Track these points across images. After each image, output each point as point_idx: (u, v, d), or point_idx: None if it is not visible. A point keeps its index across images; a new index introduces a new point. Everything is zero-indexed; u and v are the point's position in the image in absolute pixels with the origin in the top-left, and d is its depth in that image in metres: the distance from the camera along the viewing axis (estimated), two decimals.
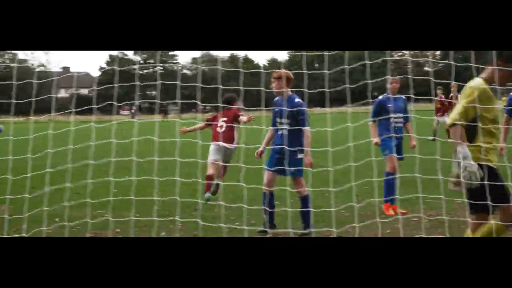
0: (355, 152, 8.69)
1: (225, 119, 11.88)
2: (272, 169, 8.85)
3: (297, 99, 8.84)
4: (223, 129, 11.80)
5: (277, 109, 8.94)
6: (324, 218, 9.07)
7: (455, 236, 7.79)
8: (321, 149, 8.15)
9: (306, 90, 7.83)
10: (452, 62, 7.73)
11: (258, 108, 9.07)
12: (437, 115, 25.34)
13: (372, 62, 7.70)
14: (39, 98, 8.79)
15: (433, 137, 23.38)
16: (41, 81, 10.17)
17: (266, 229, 8.88)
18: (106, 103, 9.31)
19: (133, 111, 64.00)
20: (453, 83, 16.22)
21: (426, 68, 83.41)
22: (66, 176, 8.97)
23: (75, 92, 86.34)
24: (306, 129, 8.67)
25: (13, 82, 9.36)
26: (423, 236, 7.77)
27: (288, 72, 8.95)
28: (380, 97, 10.42)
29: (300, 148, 8.79)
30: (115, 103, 8.25)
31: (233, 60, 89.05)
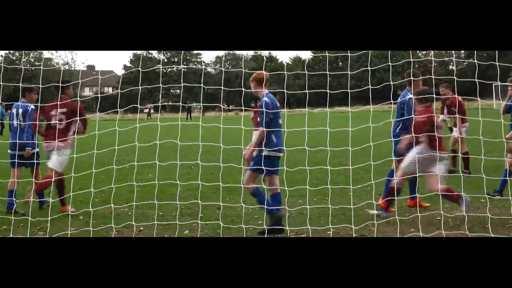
0: (377, 150, 8.68)
1: None
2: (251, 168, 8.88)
3: (264, 98, 8.81)
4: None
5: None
6: (346, 217, 9.06)
7: (477, 233, 7.77)
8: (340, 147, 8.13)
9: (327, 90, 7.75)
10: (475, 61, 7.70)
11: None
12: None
13: (396, 63, 7.66)
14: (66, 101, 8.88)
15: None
16: (67, 84, 10.29)
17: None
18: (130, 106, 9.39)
19: (146, 110, 63.54)
20: (445, 84, 16.08)
21: (451, 67, 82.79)
22: (89, 176, 9.06)
23: (100, 90, 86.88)
24: (259, 129, 8.70)
25: (40, 86, 9.49)
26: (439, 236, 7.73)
27: (261, 73, 8.93)
28: (411, 96, 10.25)
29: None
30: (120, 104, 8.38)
31: (256, 58, 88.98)
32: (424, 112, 9.24)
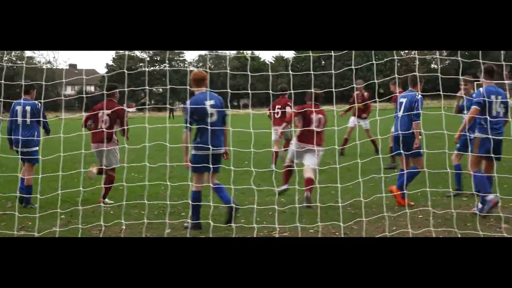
0: (361, 149, 8.67)
1: (279, 106, 14.97)
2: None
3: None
4: (279, 115, 14.84)
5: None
6: (331, 216, 9.06)
7: (461, 231, 7.80)
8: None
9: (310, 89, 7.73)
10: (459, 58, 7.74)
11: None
12: (362, 117, 15.70)
13: (379, 61, 7.68)
14: (49, 100, 8.85)
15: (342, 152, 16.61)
16: (50, 83, 10.33)
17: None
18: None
19: (129, 109, 63.20)
20: (359, 81, 16.31)
21: (433, 66, 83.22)
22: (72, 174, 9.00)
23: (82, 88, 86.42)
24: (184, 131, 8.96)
25: (22, 83, 9.51)
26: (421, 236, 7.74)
27: (197, 72, 9.05)
28: (420, 96, 10.49)
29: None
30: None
31: (239, 57, 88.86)
32: (297, 109, 10.70)
